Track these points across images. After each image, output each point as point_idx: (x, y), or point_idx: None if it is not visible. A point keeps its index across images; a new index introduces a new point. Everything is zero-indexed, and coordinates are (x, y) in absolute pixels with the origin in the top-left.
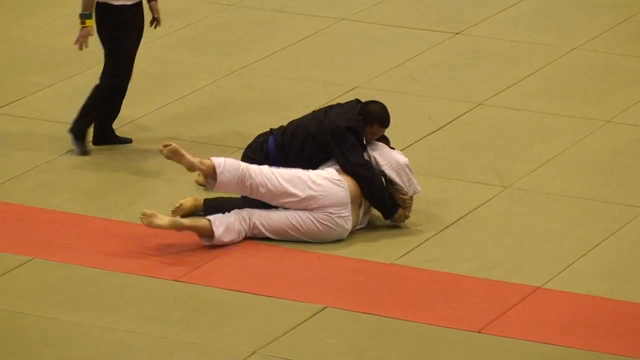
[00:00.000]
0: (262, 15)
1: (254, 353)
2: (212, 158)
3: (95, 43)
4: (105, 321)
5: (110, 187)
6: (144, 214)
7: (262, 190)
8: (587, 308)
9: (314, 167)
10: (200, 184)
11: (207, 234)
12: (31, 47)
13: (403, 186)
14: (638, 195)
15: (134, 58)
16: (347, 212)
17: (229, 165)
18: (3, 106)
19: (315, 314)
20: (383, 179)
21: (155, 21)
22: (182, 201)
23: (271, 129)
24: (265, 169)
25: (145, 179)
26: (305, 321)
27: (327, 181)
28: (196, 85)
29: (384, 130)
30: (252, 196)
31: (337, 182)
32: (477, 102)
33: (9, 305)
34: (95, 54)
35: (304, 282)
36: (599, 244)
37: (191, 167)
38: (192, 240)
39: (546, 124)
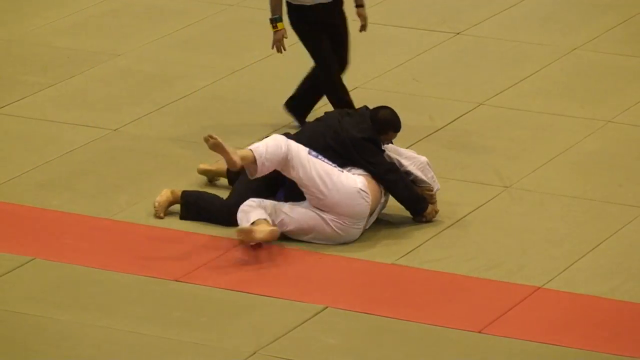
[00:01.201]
0: (262, 15)
1: (254, 353)
2: (251, 148)
3: (97, 42)
4: (106, 321)
5: (110, 187)
6: (241, 230)
7: (293, 173)
8: (587, 308)
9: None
10: (201, 173)
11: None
12: (31, 47)
13: (430, 182)
14: (638, 195)
15: (330, 50)
16: (362, 224)
17: (270, 154)
18: (3, 106)
19: (315, 314)
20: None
21: (362, 28)
22: (157, 199)
23: (286, 133)
24: (303, 153)
25: (145, 179)
26: (305, 321)
27: (356, 192)
28: (196, 85)
29: (397, 134)
30: (283, 173)
31: (365, 195)
32: (477, 102)
33: (9, 305)
34: (96, 54)
35: (305, 282)
36: (599, 244)
37: (233, 165)
38: (192, 240)
39: (546, 124)
